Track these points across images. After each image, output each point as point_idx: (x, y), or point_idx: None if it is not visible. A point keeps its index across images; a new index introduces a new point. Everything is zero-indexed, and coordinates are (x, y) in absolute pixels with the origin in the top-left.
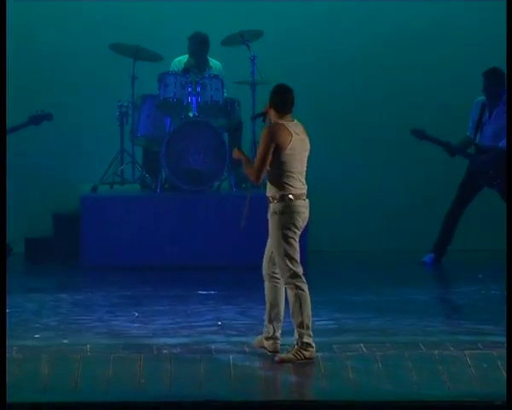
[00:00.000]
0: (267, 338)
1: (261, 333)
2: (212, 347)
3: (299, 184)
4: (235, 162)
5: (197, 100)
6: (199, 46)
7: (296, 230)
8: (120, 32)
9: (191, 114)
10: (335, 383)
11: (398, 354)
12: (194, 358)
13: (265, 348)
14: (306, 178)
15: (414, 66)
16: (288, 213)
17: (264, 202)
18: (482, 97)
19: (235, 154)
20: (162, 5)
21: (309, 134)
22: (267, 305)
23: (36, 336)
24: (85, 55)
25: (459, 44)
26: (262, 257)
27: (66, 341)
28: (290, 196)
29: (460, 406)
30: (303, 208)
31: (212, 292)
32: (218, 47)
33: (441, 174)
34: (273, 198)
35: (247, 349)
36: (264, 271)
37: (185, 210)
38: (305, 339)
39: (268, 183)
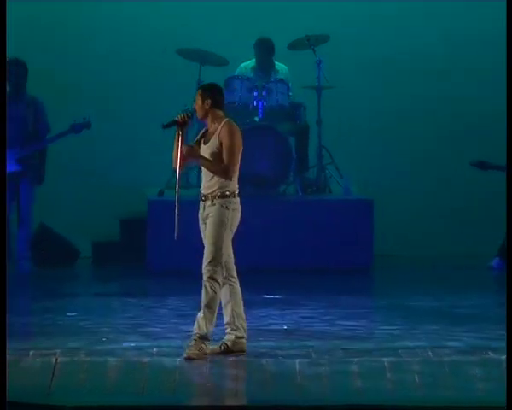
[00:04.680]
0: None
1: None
2: (278, 352)
3: (237, 183)
4: (300, 167)
5: (263, 104)
6: (264, 52)
7: (235, 227)
8: (186, 37)
9: (257, 119)
10: (401, 388)
11: (463, 359)
12: (259, 362)
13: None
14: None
15: (476, 71)
16: (234, 209)
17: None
18: None
19: (189, 152)
20: (228, 9)
21: (375, 137)
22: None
23: (103, 339)
24: (153, 59)
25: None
26: (327, 261)
27: (133, 344)
28: (237, 192)
29: None
30: (239, 206)
31: (278, 296)
32: (285, 51)
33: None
34: (222, 195)
35: (313, 354)
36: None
37: (251, 215)
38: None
39: (212, 179)
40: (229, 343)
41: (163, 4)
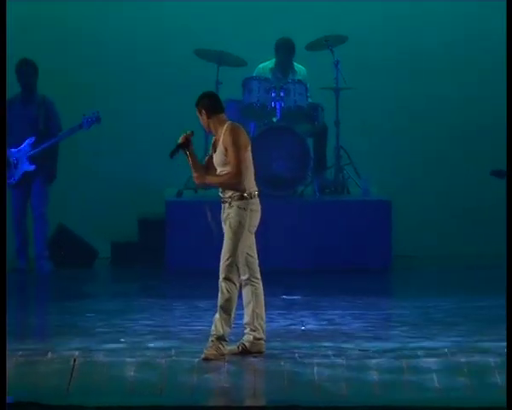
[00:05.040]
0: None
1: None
2: (296, 352)
3: (254, 183)
4: (317, 170)
5: (281, 105)
6: (286, 52)
7: (253, 228)
8: (204, 38)
9: (274, 120)
10: (419, 389)
11: (482, 360)
12: (277, 363)
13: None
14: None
15: (491, 72)
16: (252, 210)
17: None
18: None
19: (203, 180)
20: (246, 10)
21: (393, 137)
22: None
23: (122, 339)
24: (171, 60)
25: None
26: (345, 261)
27: (151, 345)
28: (255, 193)
29: None
30: (259, 207)
31: (296, 297)
32: (303, 52)
33: None
34: (239, 197)
35: (331, 355)
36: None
37: (268, 215)
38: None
39: None
40: (247, 344)
41: (181, 4)
